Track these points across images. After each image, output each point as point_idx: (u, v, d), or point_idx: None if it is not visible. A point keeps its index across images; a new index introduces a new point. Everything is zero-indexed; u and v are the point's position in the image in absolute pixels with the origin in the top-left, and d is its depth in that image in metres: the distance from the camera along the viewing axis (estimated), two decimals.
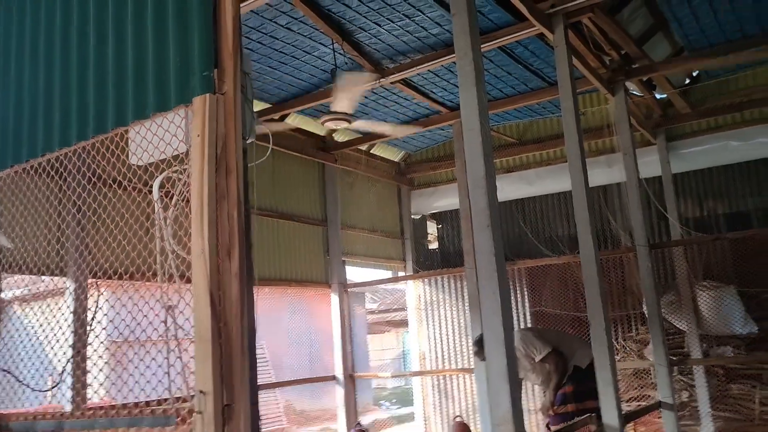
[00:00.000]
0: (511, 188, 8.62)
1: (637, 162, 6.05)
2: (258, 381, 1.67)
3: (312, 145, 7.61)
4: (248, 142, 1.80)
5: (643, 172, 6.45)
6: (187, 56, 1.82)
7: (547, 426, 5.16)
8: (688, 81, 7.40)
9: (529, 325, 8.10)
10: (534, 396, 7.65)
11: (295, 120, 7.21)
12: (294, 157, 7.34)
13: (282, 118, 6.99)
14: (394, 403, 15.32)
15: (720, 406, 6.99)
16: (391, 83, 6.05)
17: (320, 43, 5.30)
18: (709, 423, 6.90)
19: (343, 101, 4.52)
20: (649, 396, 6.90)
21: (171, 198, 1.82)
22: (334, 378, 7.60)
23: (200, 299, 1.64)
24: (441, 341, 9.01)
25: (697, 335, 7.10)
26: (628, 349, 7.70)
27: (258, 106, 6.49)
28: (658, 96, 7.19)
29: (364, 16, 4.95)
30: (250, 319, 1.60)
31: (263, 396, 12.81)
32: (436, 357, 8.98)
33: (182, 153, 1.85)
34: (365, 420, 11.35)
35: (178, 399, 1.72)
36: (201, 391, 1.56)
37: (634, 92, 6.76)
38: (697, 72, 7.27)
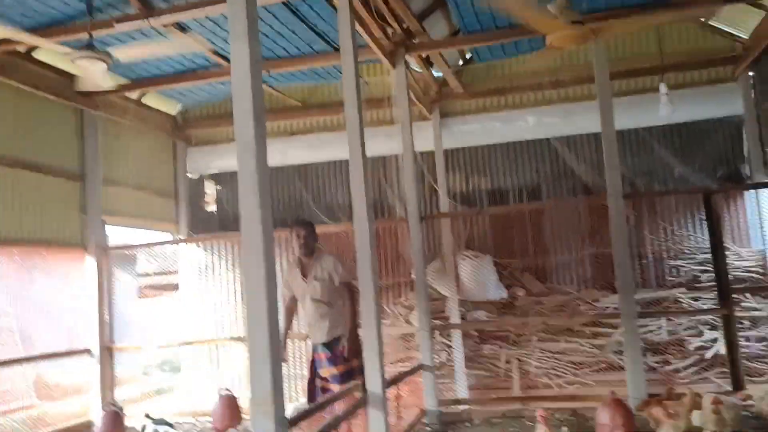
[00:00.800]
0: (293, 152, 8.45)
1: (413, 135, 6.23)
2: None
3: (69, 87, 6.60)
4: None
5: (418, 145, 6.69)
6: None
7: (310, 388, 5.06)
8: (461, 62, 7.83)
9: None
10: (301, 365, 7.68)
11: (46, 55, 6.18)
12: (45, 99, 6.30)
13: (29, 52, 5.95)
14: (166, 371, 14.53)
15: (473, 365, 7.66)
16: (164, 26, 5.43)
17: None
18: (462, 380, 7.53)
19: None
20: (415, 357, 7.29)
21: None
22: (87, 351, 6.82)
23: None
24: (215, 308, 8.62)
25: (457, 301, 7.67)
26: (397, 314, 8.06)
27: None
28: (435, 74, 7.49)
29: None
30: None
31: (8, 372, 11.22)
32: (209, 325, 8.58)
33: None
34: (128, 392, 10.55)
35: None
36: None
37: (415, 68, 6.94)
38: (469, 55, 7.72)
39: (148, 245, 8.15)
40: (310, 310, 5.02)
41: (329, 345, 5.00)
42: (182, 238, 8.57)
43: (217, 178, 9.04)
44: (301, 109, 8.30)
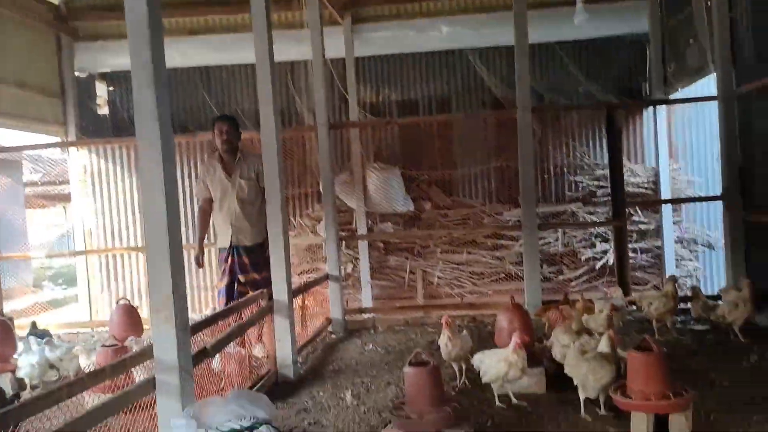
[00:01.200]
0: (194, 53, 7.87)
1: (323, 40, 5.93)
2: None
3: None
4: None
5: (328, 52, 6.39)
6: None
7: (228, 293, 4.90)
8: None
9: None
10: (210, 275, 7.52)
11: None
12: None
13: None
14: (59, 284, 13.89)
15: (378, 276, 7.79)
16: None
17: None
18: (367, 290, 7.67)
19: None
20: (320, 268, 7.31)
21: None
22: None
23: None
24: (110, 217, 8.17)
25: (364, 213, 7.67)
26: (304, 225, 7.99)
27: None
28: None
29: None
30: None
31: None
32: (104, 234, 8.15)
33: None
34: (20, 304, 10.00)
35: None
36: None
37: None
38: None
39: (32, 147, 7.47)
40: (234, 211, 4.77)
41: (253, 249, 4.82)
42: (72, 141, 7.88)
43: (109, 77, 8.34)
44: (202, 4, 7.66)
